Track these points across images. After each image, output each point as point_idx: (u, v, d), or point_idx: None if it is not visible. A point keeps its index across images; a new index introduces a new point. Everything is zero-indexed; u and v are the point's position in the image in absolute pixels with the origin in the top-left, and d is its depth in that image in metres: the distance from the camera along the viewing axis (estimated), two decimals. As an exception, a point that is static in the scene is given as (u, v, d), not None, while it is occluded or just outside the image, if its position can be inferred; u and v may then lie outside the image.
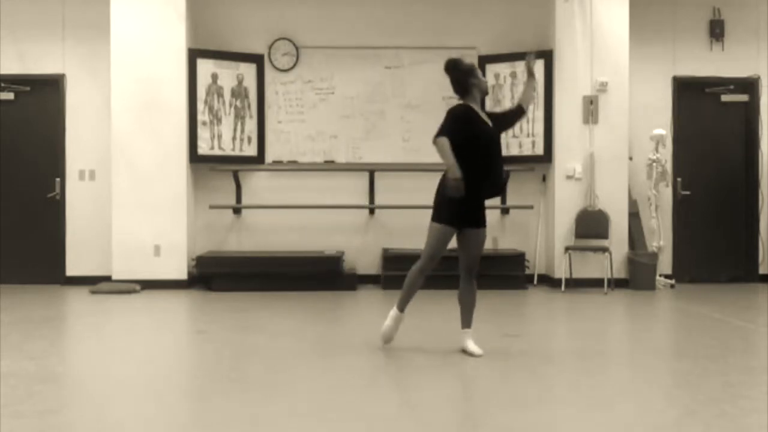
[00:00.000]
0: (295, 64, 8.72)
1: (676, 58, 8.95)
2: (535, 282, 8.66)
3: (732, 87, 8.97)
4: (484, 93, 5.07)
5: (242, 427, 3.42)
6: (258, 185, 8.75)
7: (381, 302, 6.29)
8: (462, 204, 4.77)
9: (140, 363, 4.88)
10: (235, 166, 8.56)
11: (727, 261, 9.10)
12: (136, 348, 5.41)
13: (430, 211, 9.02)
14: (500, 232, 8.83)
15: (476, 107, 4.93)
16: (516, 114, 5.15)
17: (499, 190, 5.27)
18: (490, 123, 4.93)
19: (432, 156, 8.64)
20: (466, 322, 5.06)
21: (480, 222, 4.93)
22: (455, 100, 5.08)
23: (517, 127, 8.51)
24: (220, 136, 8.48)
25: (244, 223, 8.78)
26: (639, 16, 8.57)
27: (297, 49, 8.71)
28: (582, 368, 4.73)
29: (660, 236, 8.48)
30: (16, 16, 8.54)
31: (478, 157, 4.75)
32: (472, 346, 4.95)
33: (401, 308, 5.07)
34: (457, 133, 4.74)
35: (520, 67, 8.58)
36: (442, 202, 4.88)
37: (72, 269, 8.59)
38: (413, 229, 8.48)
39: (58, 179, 8.65)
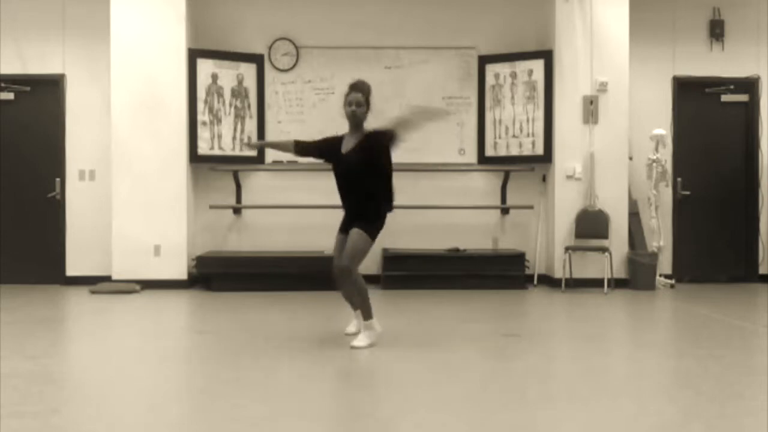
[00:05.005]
0: (295, 64, 8.72)
1: (676, 58, 8.96)
2: (535, 282, 8.67)
3: (732, 87, 8.97)
4: (348, 118, 5.31)
5: (241, 427, 3.42)
6: (258, 185, 8.75)
7: (381, 302, 6.28)
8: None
9: (140, 363, 4.88)
10: (235, 166, 8.57)
11: (727, 261, 9.10)
12: (136, 348, 5.41)
13: (430, 212, 9.06)
14: (500, 232, 8.84)
15: (349, 134, 5.34)
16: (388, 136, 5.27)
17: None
18: (356, 150, 5.24)
19: (432, 156, 8.78)
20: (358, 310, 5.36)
21: (350, 227, 5.25)
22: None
23: (517, 126, 8.58)
24: (220, 136, 8.48)
25: (244, 223, 8.78)
26: (639, 16, 8.57)
27: (297, 49, 8.71)
28: (582, 368, 4.73)
29: (660, 236, 8.48)
30: (16, 16, 8.55)
31: (338, 180, 5.44)
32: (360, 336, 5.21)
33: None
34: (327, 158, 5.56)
35: (520, 66, 8.60)
36: None
37: (72, 269, 8.60)
38: (413, 230, 8.51)
39: (58, 179, 8.66)
